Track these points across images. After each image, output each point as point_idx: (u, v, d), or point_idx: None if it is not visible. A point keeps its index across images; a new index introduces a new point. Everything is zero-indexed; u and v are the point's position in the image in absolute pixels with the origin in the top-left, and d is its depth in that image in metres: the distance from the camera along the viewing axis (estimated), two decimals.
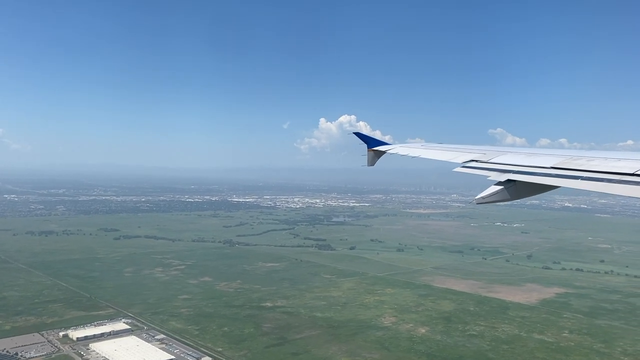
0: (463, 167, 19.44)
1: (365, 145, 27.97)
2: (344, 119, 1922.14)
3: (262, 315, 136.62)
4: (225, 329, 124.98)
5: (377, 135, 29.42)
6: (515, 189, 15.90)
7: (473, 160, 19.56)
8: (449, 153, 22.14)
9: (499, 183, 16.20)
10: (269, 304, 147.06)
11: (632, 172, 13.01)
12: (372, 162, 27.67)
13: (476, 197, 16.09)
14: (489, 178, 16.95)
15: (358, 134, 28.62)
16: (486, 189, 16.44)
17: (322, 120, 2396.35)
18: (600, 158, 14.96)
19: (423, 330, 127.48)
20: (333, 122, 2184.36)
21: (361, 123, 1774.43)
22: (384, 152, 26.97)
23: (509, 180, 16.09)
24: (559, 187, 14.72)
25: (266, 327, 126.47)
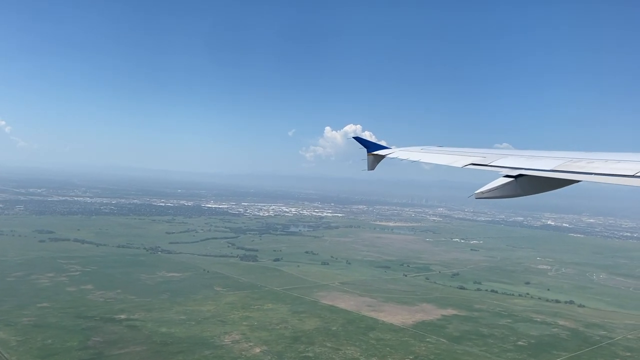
0: (465, 166, 19.43)
1: (366, 150, 28.15)
2: (349, 128, 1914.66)
3: (102, 328, 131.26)
4: (49, 341, 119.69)
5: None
6: (517, 185, 15.75)
7: (473, 164, 19.22)
8: (448, 156, 22.10)
9: (506, 176, 16.15)
10: (123, 317, 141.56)
11: (632, 174, 13.25)
12: (372, 167, 27.51)
13: (476, 192, 16.15)
14: (500, 172, 16.81)
15: (358, 139, 28.70)
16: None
17: (328, 128, 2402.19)
18: (601, 160, 15.15)
19: (258, 350, 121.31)
20: (338, 131, 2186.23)
21: (367, 133, 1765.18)
22: (383, 157, 26.74)
23: (512, 176, 16.06)
24: (565, 181, 14.97)
25: (93, 341, 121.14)
